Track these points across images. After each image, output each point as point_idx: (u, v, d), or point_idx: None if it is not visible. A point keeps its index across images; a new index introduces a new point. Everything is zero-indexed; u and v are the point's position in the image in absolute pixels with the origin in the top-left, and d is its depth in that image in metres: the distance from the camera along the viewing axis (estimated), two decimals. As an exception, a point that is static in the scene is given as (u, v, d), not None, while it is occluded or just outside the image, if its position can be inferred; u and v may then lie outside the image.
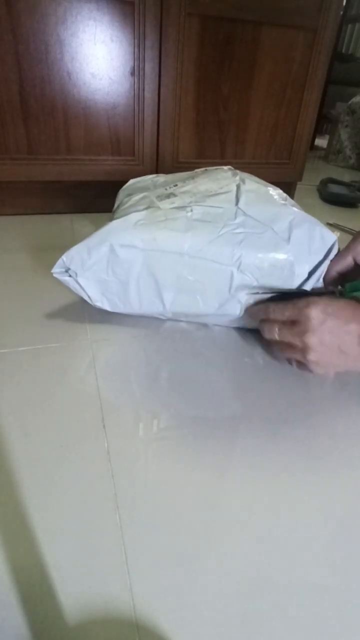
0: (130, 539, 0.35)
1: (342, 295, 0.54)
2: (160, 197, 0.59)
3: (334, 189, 1.37)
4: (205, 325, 0.63)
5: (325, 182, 1.43)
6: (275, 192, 0.61)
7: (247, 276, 0.54)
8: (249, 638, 0.30)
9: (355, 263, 0.52)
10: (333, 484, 0.42)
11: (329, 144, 2.14)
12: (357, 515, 0.39)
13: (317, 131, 2.39)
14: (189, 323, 0.63)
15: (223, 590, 0.33)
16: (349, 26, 2.80)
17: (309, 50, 1.01)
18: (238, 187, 0.60)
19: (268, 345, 0.57)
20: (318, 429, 0.48)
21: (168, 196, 0.59)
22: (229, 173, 0.65)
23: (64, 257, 0.56)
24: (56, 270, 0.57)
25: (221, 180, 0.62)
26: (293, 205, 0.58)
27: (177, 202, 0.57)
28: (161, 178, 0.72)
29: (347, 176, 1.73)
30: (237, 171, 0.67)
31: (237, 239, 0.54)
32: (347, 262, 0.52)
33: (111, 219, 0.74)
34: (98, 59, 0.87)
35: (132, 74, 0.90)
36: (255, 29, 0.94)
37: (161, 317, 0.62)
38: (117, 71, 0.89)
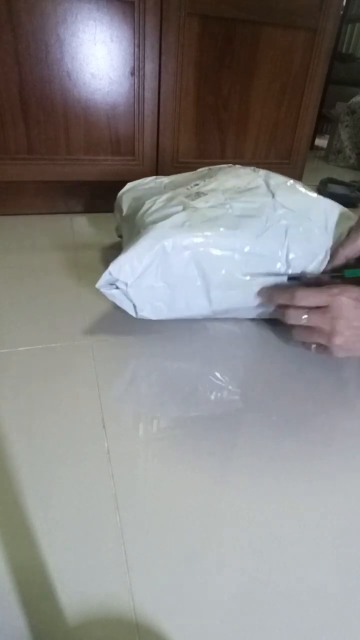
0: (130, 539, 0.35)
1: (341, 280, 0.53)
2: (190, 197, 0.59)
3: (334, 189, 1.37)
4: (205, 325, 0.63)
5: (325, 182, 1.43)
6: (298, 184, 0.62)
7: (292, 266, 0.56)
8: (249, 638, 0.30)
9: None
10: (335, 486, 0.42)
11: (329, 144, 2.14)
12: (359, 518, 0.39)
13: (317, 131, 2.39)
14: (190, 323, 0.63)
15: (223, 590, 0.33)
16: (349, 26, 2.80)
17: (309, 50, 1.01)
18: (267, 182, 0.61)
19: (289, 328, 0.55)
20: (321, 430, 0.48)
21: (198, 195, 0.59)
22: (247, 169, 0.66)
23: (110, 270, 0.53)
24: (102, 283, 0.54)
25: (244, 177, 0.63)
26: (317, 195, 0.60)
27: (211, 200, 0.57)
28: (164, 179, 0.72)
29: (347, 176, 1.73)
30: (253, 167, 0.67)
31: (282, 231, 0.55)
32: (357, 247, 0.52)
33: (119, 223, 0.73)
34: (98, 59, 0.87)
35: (132, 74, 0.90)
36: (255, 29, 0.94)
37: (199, 317, 0.61)
38: (117, 71, 0.89)
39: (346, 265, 0.53)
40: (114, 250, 0.84)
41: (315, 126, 1.17)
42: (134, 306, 0.56)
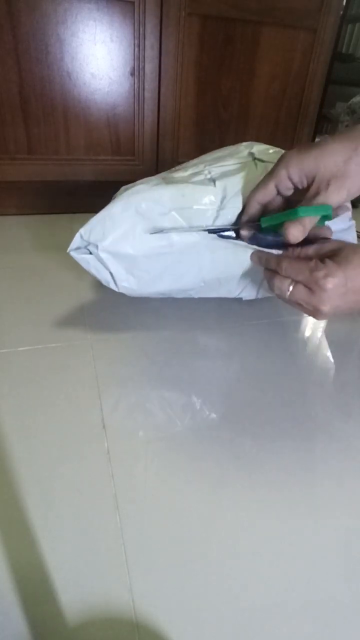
0: (130, 539, 0.35)
1: (258, 230, 0.49)
2: (170, 172, 0.57)
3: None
4: (205, 326, 0.63)
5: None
6: (279, 149, 0.61)
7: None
8: (249, 637, 0.30)
9: (278, 193, 0.45)
10: (337, 489, 0.42)
11: (329, 144, 2.14)
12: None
13: (317, 131, 2.38)
14: (190, 324, 0.63)
15: (223, 589, 0.33)
16: (349, 26, 2.80)
17: (309, 50, 1.01)
18: (248, 148, 0.59)
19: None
20: (322, 434, 0.48)
21: (177, 170, 0.57)
22: (232, 146, 0.65)
23: (81, 231, 0.50)
24: (73, 247, 0.51)
25: (228, 148, 0.62)
26: None
27: (190, 170, 0.55)
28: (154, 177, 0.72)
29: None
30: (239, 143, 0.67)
31: None
32: (270, 191, 0.45)
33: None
34: (98, 59, 0.87)
35: (132, 74, 0.90)
36: (255, 29, 0.94)
37: (189, 290, 0.58)
38: (117, 71, 0.89)
39: (267, 211, 0.48)
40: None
41: (315, 126, 1.17)
42: (112, 275, 0.53)
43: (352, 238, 0.57)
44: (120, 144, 0.97)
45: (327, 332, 0.65)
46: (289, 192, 0.44)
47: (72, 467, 0.41)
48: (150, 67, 0.90)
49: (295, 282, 0.43)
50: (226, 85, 0.99)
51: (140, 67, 0.90)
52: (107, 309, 0.65)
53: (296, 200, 0.44)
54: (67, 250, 0.52)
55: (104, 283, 0.54)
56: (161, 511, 0.38)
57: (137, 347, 0.58)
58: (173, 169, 0.67)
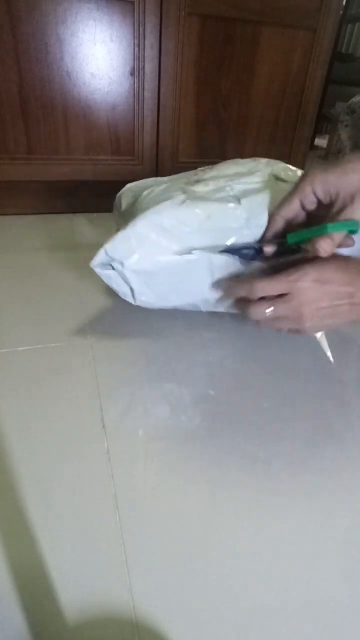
0: (130, 539, 0.35)
1: (283, 246, 0.49)
2: (190, 184, 0.56)
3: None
4: (206, 326, 0.63)
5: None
6: (298, 169, 0.62)
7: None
8: (249, 637, 0.30)
9: (303, 209, 0.46)
10: (338, 489, 0.42)
11: (329, 144, 2.14)
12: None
13: (317, 131, 2.38)
14: (190, 323, 0.63)
15: (223, 589, 0.33)
16: (349, 26, 2.80)
17: (309, 50, 1.01)
18: (269, 167, 0.59)
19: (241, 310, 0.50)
20: (323, 434, 0.48)
21: (197, 182, 0.57)
22: (248, 159, 0.65)
23: (106, 247, 0.50)
24: (97, 263, 0.51)
25: (246, 164, 0.62)
26: None
27: (211, 184, 0.55)
28: (164, 179, 0.72)
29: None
30: (253, 158, 0.66)
31: None
32: (295, 206, 0.46)
33: (117, 222, 0.72)
34: (98, 59, 0.87)
35: (132, 74, 0.90)
36: (255, 29, 0.94)
37: (202, 303, 0.57)
38: (117, 71, 0.89)
39: (291, 228, 0.48)
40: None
41: (315, 126, 1.17)
42: (132, 290, 0.53)
43: None
44: (120, 144, 0.97)
45: (328, 332, 0.65)
46: (313, 206, 0.45)
47: (72, 467, 0.41)
48: (150, 67, 0.90)
49: (273, 300, 0.44)
50: (226, 85, 0.99)
51: (140, 67, 0.90)
52: (107, 309, 0.65)
53: (319, 215, 0.46)
54: (90, 265, 0.52)
55: (122, 296, 0.55)
56: (161, 511, 0.38)
57: (137, 347, 0.58)
58: (190, 174, 0.67)
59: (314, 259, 0.43)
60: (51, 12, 0.80)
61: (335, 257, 0.44)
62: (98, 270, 0.52)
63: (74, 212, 1.06)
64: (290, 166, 0.63)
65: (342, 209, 0.42)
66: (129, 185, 0.73)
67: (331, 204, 0.43)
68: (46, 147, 0.92)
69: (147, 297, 0.54)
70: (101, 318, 0.63)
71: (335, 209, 0.43)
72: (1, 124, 0.87)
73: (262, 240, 0.50)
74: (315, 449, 0.45)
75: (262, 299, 0.45)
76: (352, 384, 0.55)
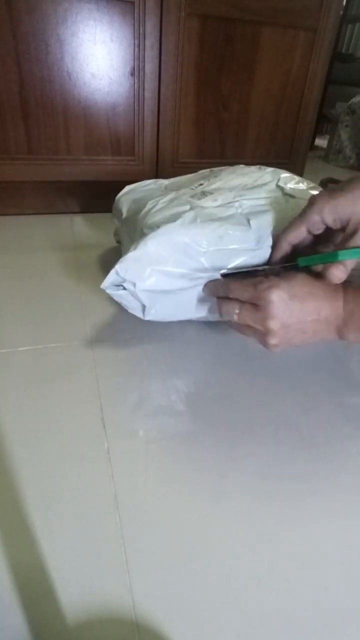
0: (130, 539, 0.35)
1: (294, 269, 0.48)
2: (196, 197, 0.56)
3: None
4: (207, 325, 0.63)
5: (325, 182, 1.43)
6: (306, 182, 0.62)
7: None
8: (249, 638, 0.30)
9: (309, 234, 0.46)
10: (338, 490, 0.42)
11: (329, 144, 2.14)
12: None
13: (317, 131, 2.39)
14: (191, 323, 0.63)
15: (223, 589, 0.33)
16: (349, 26, 2.80)
17: (309, 50, 1.01)
18: (275, 178, 0.60)
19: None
20: (322, 437, 0.48)
21: (203, 194, 0.57)
22: (253, 168, 0.65)
23: (117, 269, 0.49)
24: (108, 284, 0.51)
25: (251, 174, 0.62)
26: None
27: (219, 199, 0.55)
28: (164, 182, 0.71)
29: (347, 176, 1.73)
30: (258, 165, 0.66)
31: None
32: (301, 233, 0.46)
33: (118, 227, 0.71)
34: (98, 59, 0.87)
35: (132, 74, 0.90)
36: (255, 29, 0.94)
37: (208, 318, 0.58)
38: (117, 71, 0.89)
39: (299, 253, 0.48)
40: (114, 251, 0.84)
41: (315, 126, 1.17)
42: (143, 307, 0.53)
43: None
44: (120, 144, 0.97)
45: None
46: (320, 231, 0.46)
47: (72, 467, 0.41)
48: (150, 67, 0.90)
49: (242, 303, 0.44)
50: (226, 85, 0.99)
51: (140, 67, 0.90)
52: (107, 309, 0.65)
53: (325, 236, 0.46)
54: (101, 286, 0.51)
55: (130, 311, 0.55)
56: (161, 511, 0.38)
57: (137, 346, 0.58)
58: (193, 179, 0.66)
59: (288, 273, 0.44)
60: (51, 12, 0.80)
61: (302, 272, 0.44)
62: (109, 291, 0.52)
63: (74, 212, 1.06)
64: (295, 175, 0.63)
65: (352, 235, 0.41)
66: (127, 188, 0.72)
67: (341, 229, 0.43)
68: (46, 147, 0.92)
69: (157, 311, 0.54)
70: (101, 318, 0.63)
71: (346, 234, 0.42)
72: (1, 124, 0.87)
73: (269, 263, 0.51)
74: (318, 452, 0.45)
75: (236, 299, 0.45)
76: (356, 386, 0.55)
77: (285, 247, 0.48)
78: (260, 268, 0.51)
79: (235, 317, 0.45)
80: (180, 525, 0.37)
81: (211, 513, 0.38)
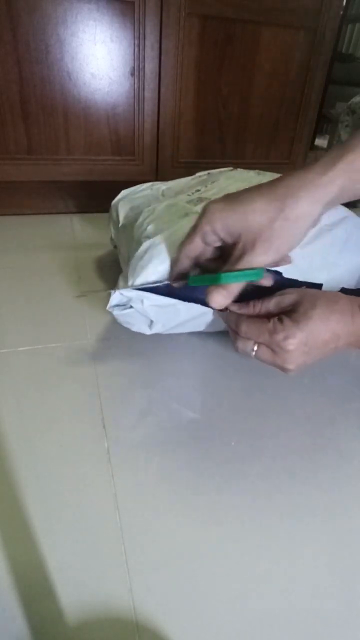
0: (130, 539, 0.35)
1: (186, 288, 0.46)
2: (192, 203, 0.56)
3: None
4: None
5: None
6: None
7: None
8: (249, 637, 0.30)
9: (206, 244, 0.42)
10: (338, 498, 0.42)
11: (329, 144, 2.14)
12: None
13: (317, 131, 2.38)
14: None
15: (223, 589, 0.33)
16: (349, 26, 2.80)
17: (309, 50, 1.01)
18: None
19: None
20: (320, 440, 0.48)
21: (200, 200, 0.56)
22: (251, 172, 0.65)
23: (122, 290, 0.47)
24: (113, 305, 0.48)
25: (249, 179, 0.61)
26: None
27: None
28: (161, 186, 0.71)
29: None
30: (257, 170, 0.66)
31: None
32: (196, 245, 0.41)
33: (114, 232, 0.70)
34: (98, 59, 0.87)
35: (132, 74, 0.90)
36: (255, 29, 0.94)
37: (213, 327, 0.56)
38: (117, 71, 0.89)
39: (200, 265, 0.44)
40: (114, 251, 0.84)
41: (315, 126, 1.17)
42: (150, 322, 0.51)
43: (353, 225, 0.55)
44: (120, 144, 0.97)
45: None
46: (217, 243, 0.41)
47: (72, 467, 0.41)
48: (150, 67, 0.90)
49: (258, 344, 0.41)
50: (226, 85, 0.99)
51: (140, 67, 0.90)
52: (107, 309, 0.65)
53: (231, 248, 0.40)
54: (107, 308, 0.49)
55: (134, 329, 0.52)
56: (161, 511, 0.38)
57: (138, 346, 0.58)
58: (190, 183, 0.66)
59: (303, 302, 0.40)
60: (51, 12, 0.80)
61: (315, 301, 0.40)
62: (115, 312, 0.49)
63: (73, 212, 1.06)
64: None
65: (241, 255, 0.37)
66: (123, 193, 0.72)
67: (235, 244, 0.38)
68: (46, 147, 0.92)
69: (163, 325, 0.52)
70: (101, 318, 0.63)
71: (235, 254, 0.38)
72: (1, 124, 0.87)
73: (170, 279, 0.47)
74: (319, 459, 0.45)
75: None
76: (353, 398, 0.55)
77: (184, 261, 0.43)
78: (162, 284, 0.47)
79: (253, 355, 0.43)
80: (180, 525, 0.37)
81: (212, 513, 0.38)
